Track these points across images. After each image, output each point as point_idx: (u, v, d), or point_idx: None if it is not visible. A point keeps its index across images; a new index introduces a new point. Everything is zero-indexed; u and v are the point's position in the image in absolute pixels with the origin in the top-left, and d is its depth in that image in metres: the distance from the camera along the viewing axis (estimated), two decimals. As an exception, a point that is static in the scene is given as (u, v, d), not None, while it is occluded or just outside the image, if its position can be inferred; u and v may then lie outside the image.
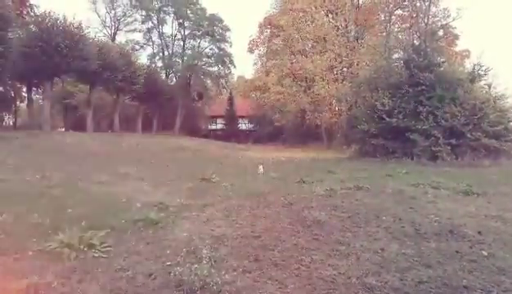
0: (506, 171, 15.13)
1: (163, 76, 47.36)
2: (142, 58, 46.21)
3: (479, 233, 6.50)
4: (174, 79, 48.58)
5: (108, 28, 47.13)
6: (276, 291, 4.26)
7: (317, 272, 4.84)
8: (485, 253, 5.52)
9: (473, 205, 8.78)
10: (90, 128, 30.78)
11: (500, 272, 4.83)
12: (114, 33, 47.00)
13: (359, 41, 37.96)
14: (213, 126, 53.46)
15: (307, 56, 38.88)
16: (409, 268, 4.98)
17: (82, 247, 5.14)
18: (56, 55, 24.55)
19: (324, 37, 38.14)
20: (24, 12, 27.93)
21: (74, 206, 7.55)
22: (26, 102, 31.31)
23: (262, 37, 48.46)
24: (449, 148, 19.98)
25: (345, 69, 37.85)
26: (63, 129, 36.16)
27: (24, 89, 33.37)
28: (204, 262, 4.87)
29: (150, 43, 48.83)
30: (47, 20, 25.41)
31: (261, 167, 11.04)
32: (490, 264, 5.12)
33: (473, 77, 22.55)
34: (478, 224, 7.04)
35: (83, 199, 8.34)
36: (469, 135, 19.82)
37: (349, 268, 4.97)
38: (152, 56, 48.91)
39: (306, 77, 38.34)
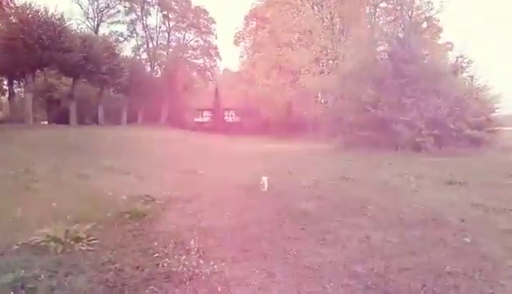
0: (488, 161, 15.47)
1: (148, 68, 46.77)
2: (126, 50, 45.39)
3: (462, 221, 6.66)
4: (159, 72, 48.05)
5: (91, 20, 46.12)
6: (264, 280, 4.31)
7: (304, 261, 4.90)
8: (468, 240, 5.67)
9: (456, 194, 8.98)
10: (74, 121, 30.25)
11: (482, 258, 4.96)
12: (97, 25, 46.03)
13: (344, 33, 38.07)
14: (200, 119, 53.12)
15: (293, 49, 38.85)
16: (394, 255, 5.08)
17: (68, 240, 5.09)
18: (38, 47, 23.94)
19: (309, 30, 38.15)
20: (4, 3, 27.14)
21: (59, 199, 7.44)
22: (7, 95, 30.53)
23: (247, 29, 48.27)
24: (432, 138, 20.33)
25: (331, 62, 37.97)
26: (46, 122, 35.43)
27: (6, 82, 32.54)
28: (192, 253, 4.89)
29: (134, 35, 48.02)
30: (27, 12, 24.72)
31: (265, 179, 9.57)
32: (472, 250, 5.25)
33: (456, 69, 22.95)
34: (461, 213, 7.21)
35: (67, 193, 8.23)
36: (452, 126, 20.19)
37: (336, 256, 5.05)
38: (136, 48, 48.17)
39: (292, 70, 38.38)
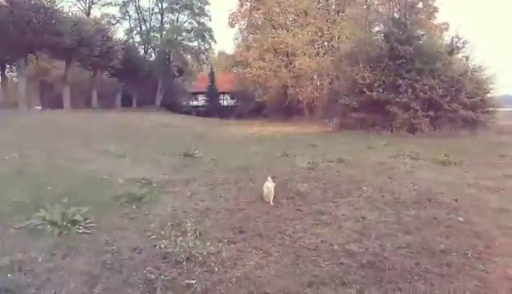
0: (482, 142, 15.58)
1: (142, 51, 46.19)
2: (119, 33, 44.91)
3: (456, 200, 6.75)
4: (153, 55, 47.45)
5: (82, 2, 45.16)
6: (260, 260, 4.35)
7: (300, 241, 4.96)
8: (461, 219, 5.75)
9: (451, 174, 9.07)
10: (67, 105, 30.01)
11: (475, 236, 5.05)
12: (89, 7, 45.09)
13: (340, 14, 37.70)
14: (195, 103, 52.78)
15: (288, 30, 38.42)
16: (389, 234, 5.15)
17: (65, 223, 5.09)
18: (29, 30, 23.55)
19: (305, 11, 37.71)
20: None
21: (55, 183, 7.44)
22: (0, 80, 30.13)
23: (242, 10, 47.52)
24: (427, 120, 20.39)
25: (326, 43, 37.68)
26: (40, 107, 35.10)
27: (-3, 66, 32.06)
28: (189, 235, 4.91)
29: (127, 17, 47.17)
30: (17, -6, 24.20)
31: (271, 187, 6.75)
32: (466, 229, 5.34)
33: (452, 49, 22.84)
34: (455, 192, 7.30)
35: (63, 177, 8.22)
36: (447, 107, 20.23)
37: (331, 236, 5.11)
38: (129, 31, 47.38)
39: (287, 52, 38.01)
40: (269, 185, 6.78)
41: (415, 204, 6.56)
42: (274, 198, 6.75)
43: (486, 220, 5.69)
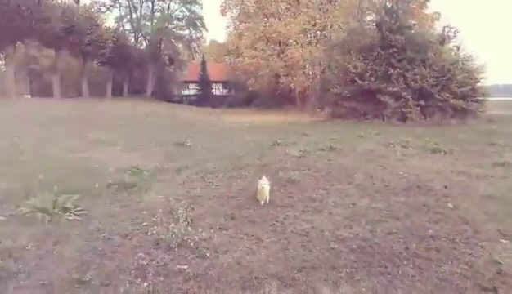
0: (472, 130, 15.74)
1: (132, 40, 45.62)
2: (109, 21, 44.23)
3: (445, 187, 6.83)
4: (144, 43, 46.91)
5: (71, -11, 44.47)
6: (252, 245, 4.38)
7: (292, 227, 5.00)
8: (450, 206, 5.83)
9: (441, 162, 9.17)
10: (57, 94, 29.65)
11: (463, 222, 5.12)
12: (78, -5, 44.46)
13: (332, 3, 37.51)
14: (187, 92, 52.47)
15: (280, 19, 38.21)
16: (379, 220, 5.21)
17: (56, 210, 5.07)
18: (17, 17, 23.12)
19: (297, 0, 37.48)
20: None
21: (45, 172, 7.37)
22: (-13, 68, 29.67)
23: (234, -2, 47.06)
24: (418, 109, 20.53)
25: (318, 32, 37.56)
26: (29, 96, 34.62)
27: (-15, 55, 31.48)
28: (181, 221, 4.92)
29: (117, 5, 46.46)
30: (4, -20, 23.68)
31: (265, 186, 6.00)
32: (454, 215, 5.41)
33: (443, 39, 22.94)
34: (445, 180, 7.39)
35: (53, 165, 8.15)
36: (437, 96, 20.38)
37: (322, 222, 5.15)
38: (119, 19, 46.76)
39: (279, 41, 37.87)
40: (262, 183, 6.00)
41: (405, 191, 6.63)
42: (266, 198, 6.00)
43: (474, 206, 5.77)
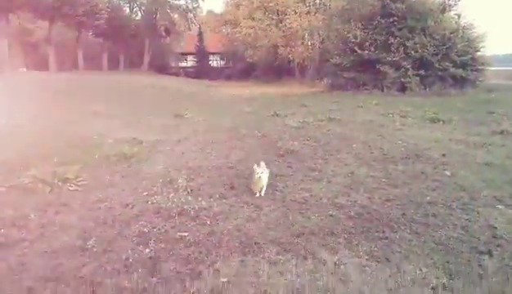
0: (471, 99, 15.69)
1: (127, 10, 44.60)
2: (103, -9, 42.88)
3: (443, 155, 6.88)
4: (139, 14, 45.88)
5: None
6: (251, 213, 4.44)
7: (291, 195, 5.05)
8: (448, 173, 5.89)
9: (439, 131, 9.18)
10: (53, 67, 29.27)
11: (460, 189, 5.18)
12: (70, -36, 43.08)
13: (332, -30, 36.48)
14: (184, 64, 51.82)
15: (278, -13, 37.25)
16: (377, 188, 5.27)
17: (56, 181, 5.10)
18: (8, -13, 22.53)
19: (296, -34, 36.45)
20: None
21: (44, 144, 7.38)
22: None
23: (231, -34, 45.73)
24: (418, 78, 20.37)
25: (317, 1, 36.72)
26: (24, 69, 34.15)
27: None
28: (181, 191, 4.98)
29: (111, -26, 45.19)
30: None
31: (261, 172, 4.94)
32: (452, 182, 5.48)
33: (444, 7, 22.48)
34: (443, 148, 7.43)
35: (52, 138, 8.14)
36: (437, 66, 20.18)
37: (321, 190, 5.20)
38: (114, -12, 45.54)
39: (278, 10, 37.06)
40: (259, 172, 4.91)
41: (404, 160, 6.68)
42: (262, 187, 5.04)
43: (472, 173, 5.83)
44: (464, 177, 5.67)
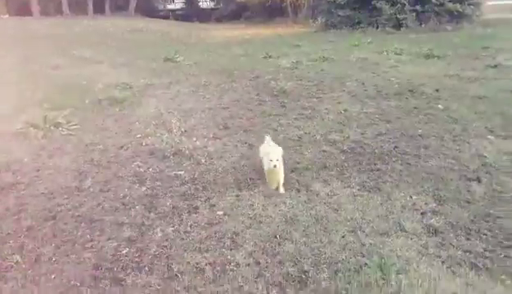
0: (467, 35, 15.32)
1: None
2: None
3: (437, 90, 6.84)
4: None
5: None
6: (246, 152, 4.48)
7: (284, 133, 5.08)
8: (441, 107, 5.90)
9: (434, 67, 9.06)
10: (36, 12, 28.03)
11: (453, 121, 5.23)
12: None
13: None
14: (172, 6, 49.72)
15: None
16: (370, 124, 5.30)
17: (48, 126, 5.07)
18: None
19: None
20: None
21: (32, 90, 7.22)
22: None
23: None
24: (414, 14, 19.76)
25: None
26: (6, 15, 32.67)
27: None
28: (175, 132, 4.98)
29: None
30: None
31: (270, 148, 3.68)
32: (444, 115, 5.50)
33: None
34: (437, 83, 7.36)
35: (40, 83, 7.94)
36: (433, 1, 19.51)
37: (314, 128, 5.23)
38: None
39: None
40: (273, 159, 3.39)
41: (397, 96, 6.64)
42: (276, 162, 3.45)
43: (464, 107, 5.84)
44: (457, 110, 5.69)
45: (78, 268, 2.56)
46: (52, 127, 5.08)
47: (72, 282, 2.42)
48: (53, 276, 2.49)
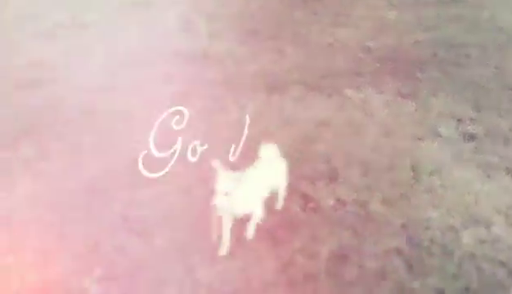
0: None
1: None
2: None
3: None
4: None
5: None
6: (275, 57, 4.32)
7: (315, 41, 4.83)
8: (486, 15, 5.43)
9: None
10: None
11: (499, 31, 4.85)
12: None
13: None
14: None
15: None
16: (407, 31, 4.97)
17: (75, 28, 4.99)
18: None
19: None
20: None
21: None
22: None
23: None
24: None
25: None
26: None
27: None
28: (203, 35, 4.82)
29: None
30: None
31: None
32: (490, 24, 5.09)
33: None
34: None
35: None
36: None
37: (348, 35, 4.94)
38: None
39: None
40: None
41: (438, 2, 6.10)
42: None
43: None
44: (503, 20, 5.23)
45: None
46: (80, 29, 4.99)
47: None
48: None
